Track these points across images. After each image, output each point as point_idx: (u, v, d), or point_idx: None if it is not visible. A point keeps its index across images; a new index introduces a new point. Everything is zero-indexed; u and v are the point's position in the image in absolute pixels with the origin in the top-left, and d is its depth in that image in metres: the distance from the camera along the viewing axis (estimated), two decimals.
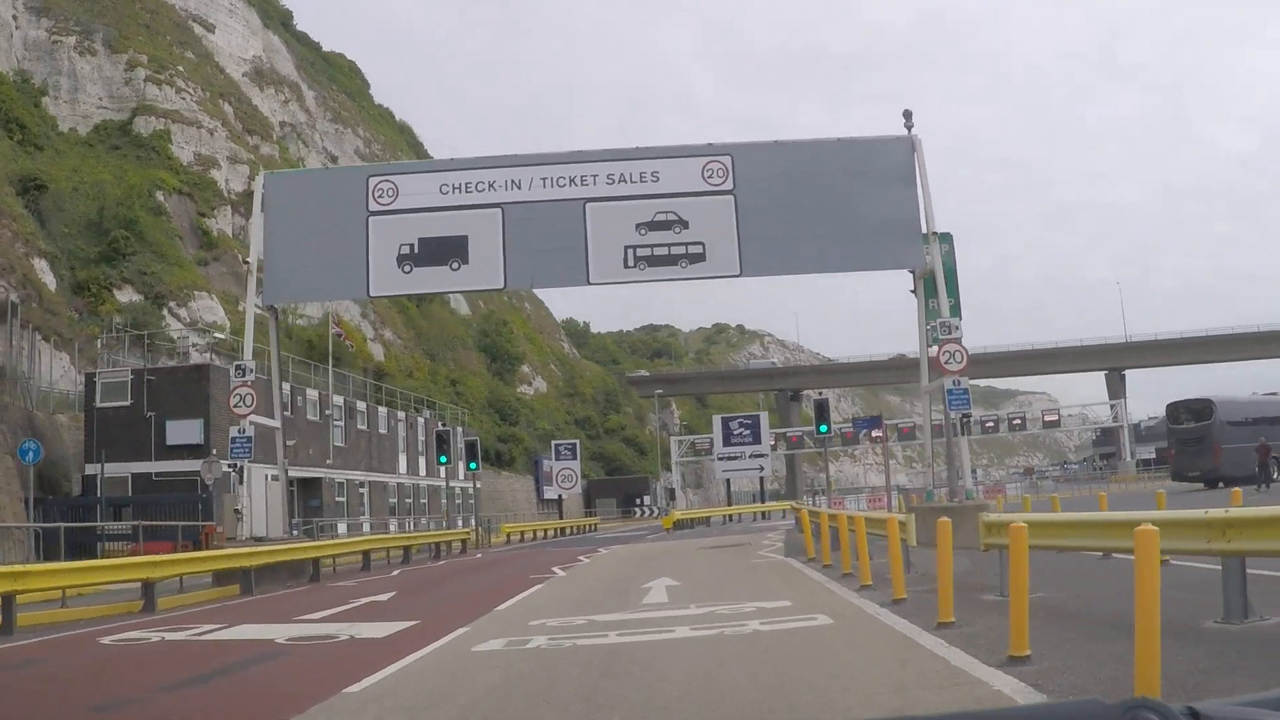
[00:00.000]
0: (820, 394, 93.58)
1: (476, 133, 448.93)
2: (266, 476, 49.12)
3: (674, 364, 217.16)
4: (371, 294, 42.20)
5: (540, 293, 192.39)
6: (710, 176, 40.39)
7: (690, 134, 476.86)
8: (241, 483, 38.13)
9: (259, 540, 37.94)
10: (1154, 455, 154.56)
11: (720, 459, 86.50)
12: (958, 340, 36.82)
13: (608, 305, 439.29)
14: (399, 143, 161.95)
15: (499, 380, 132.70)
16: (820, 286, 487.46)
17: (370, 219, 40.53)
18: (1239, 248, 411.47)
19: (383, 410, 79.78)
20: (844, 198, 40.55)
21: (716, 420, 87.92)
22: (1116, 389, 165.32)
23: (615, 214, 40.33)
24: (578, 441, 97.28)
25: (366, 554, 44.89)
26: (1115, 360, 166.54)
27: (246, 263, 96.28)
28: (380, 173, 42.58)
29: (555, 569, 36.20)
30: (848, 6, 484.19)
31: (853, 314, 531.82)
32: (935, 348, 38.10)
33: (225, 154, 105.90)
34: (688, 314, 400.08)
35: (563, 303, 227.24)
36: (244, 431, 37.71)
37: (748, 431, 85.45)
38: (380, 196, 40.61)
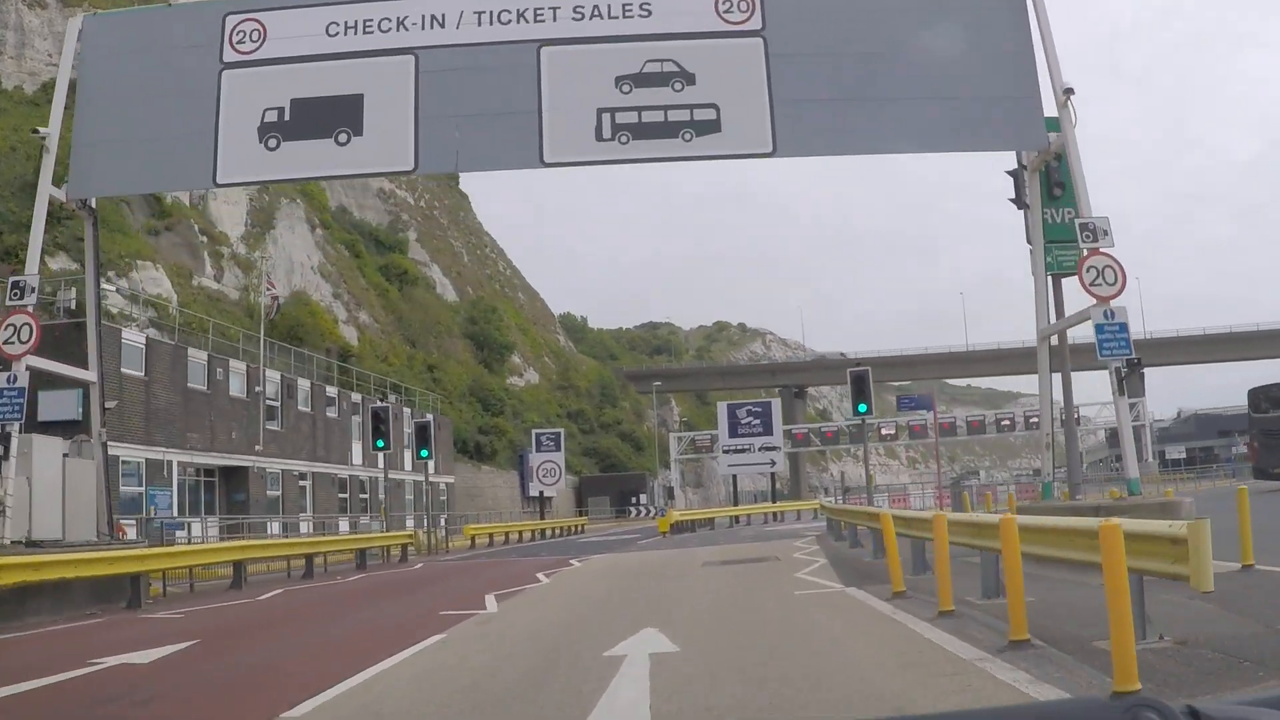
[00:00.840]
0: (857, 366, 79.87)
1: None
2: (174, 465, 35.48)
3: (674, 361, 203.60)
4: (219, 181, 25.87)
5: (536, 284, 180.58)
6: (728, 10, 25.73)
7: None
8: (7, 457, 23.92)
9: (34, 545, 23.78)
10: (1184, 455, 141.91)
11: (726, 452, 72.45)
12: (1110, 253, 22.94)
13: (606, 301, 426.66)
14: None
15: (485, 370, 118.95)
16: (825, 284, 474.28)
17: (224, 74, 26.02)
18: (1238, 253, 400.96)
19: (331, 390, 65.94)
20: (922, 43, 25.66)
21: (722, 408, 73.39)
22: (1135, 387, 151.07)
23: (585, 62, 25.39)
24: (562, 431, 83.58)
25: (238, 565, 30.93)
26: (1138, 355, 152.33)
27: (203, 234, 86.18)
28: (242, 9, 27.07)
29: (489, 598, 22.53)
30: None
31: (855, 314, 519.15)
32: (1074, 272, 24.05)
33: None
34: (688, 312, 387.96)
35: (559, 296, 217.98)
36: (14, 380, 23.89)
37: (757, 421, 71.48)
38: (240, 42, 26.16)
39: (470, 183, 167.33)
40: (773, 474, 76.69)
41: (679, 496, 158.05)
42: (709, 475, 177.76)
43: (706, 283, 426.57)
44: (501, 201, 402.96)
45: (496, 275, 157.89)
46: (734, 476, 75.24)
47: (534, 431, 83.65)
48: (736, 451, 71.58)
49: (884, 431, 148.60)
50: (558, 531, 73.87)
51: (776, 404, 72.36)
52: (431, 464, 77.84)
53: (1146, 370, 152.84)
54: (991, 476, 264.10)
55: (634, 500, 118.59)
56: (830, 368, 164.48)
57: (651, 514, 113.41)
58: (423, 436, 52.52)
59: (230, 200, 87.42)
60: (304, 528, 57.05)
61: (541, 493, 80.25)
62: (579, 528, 78.57)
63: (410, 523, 63.14)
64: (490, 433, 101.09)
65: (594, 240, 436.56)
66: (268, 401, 57.40)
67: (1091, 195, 24.38)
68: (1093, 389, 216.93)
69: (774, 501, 76.09)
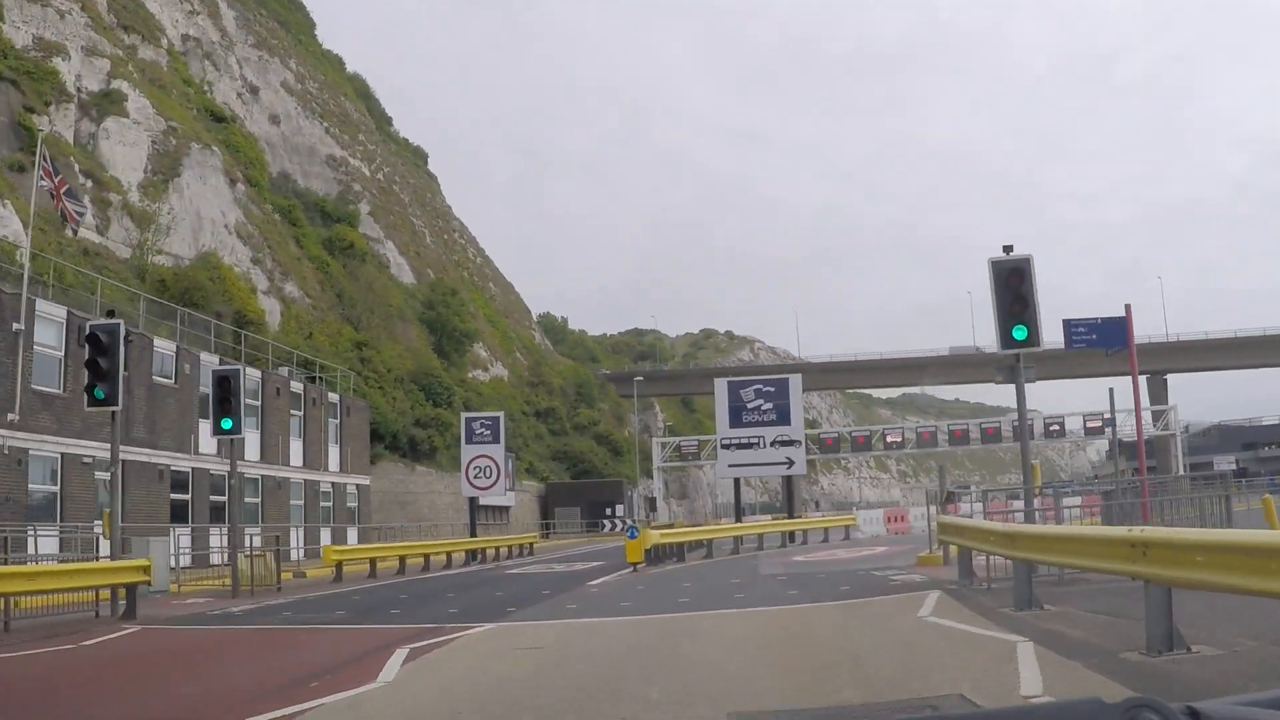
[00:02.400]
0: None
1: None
2: None
3: (659, 366, 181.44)
4: None
5: (515, 280, 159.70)
6: None
7: (686, 142, 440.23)
8: None
9: None
10: (1235, 466, 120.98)
11: (726, 447, 49.26)
12: None
13: (591, 310, 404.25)
14: (344, 87, 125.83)
15: (442, 359, 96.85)
16: (819, 291, 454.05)
17: None
18: (1229, 269, 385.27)
19: (168, 347, 43.76)
20: None
21: (721, 387, 49.54)
22: (1159, 394, 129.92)
23: None
24: (501, 416, 60.89)
25: None
26: (1157, 361, 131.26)
27: (88, 177, 64.73)
28: None
29: None
30: (842, 16, 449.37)
31: (843, 323, 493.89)
32: None
33: (81, 43, 70.45)
34: (674, 320, 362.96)
35: (540, 301, 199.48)
36: None
37: (769, 405, 48.55)
38: None
39: (447, 182, 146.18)
40: (789, 479, 53.50)
41: (661, 509, 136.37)
42: (695, 486, 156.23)
43: (695, 292, 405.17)
44: (481, 200, 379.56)
45: (465, 262, 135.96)
46: (735, 483, 52.39)
47: (464, 416, 60.64)
48: (740, 447, 48.74)
49: (890, 439, 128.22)
50: (495, 553, 51.73)
51: (796, 381, 49.16)
52: (335, 459, 56.46)
53: (1171, 376, 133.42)
54: (983, 491, 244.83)
55: (608, 512, 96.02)
56: (826, 371, 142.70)
57: (628, 529, 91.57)
58: (224, 396, 29.18)
59: (126, 140, 67.35)
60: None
61: (474, 499, 57.55)
62: (525, 547, 56.12)
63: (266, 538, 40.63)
64: (430, 426, 78.78)
65: (580, 247, 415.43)
66: (40, 348, 35.44)
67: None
68: (1088, 400, 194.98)
69: (790, 515, 53.09)
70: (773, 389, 49.16)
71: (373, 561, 40.76)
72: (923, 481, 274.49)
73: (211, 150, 75.10)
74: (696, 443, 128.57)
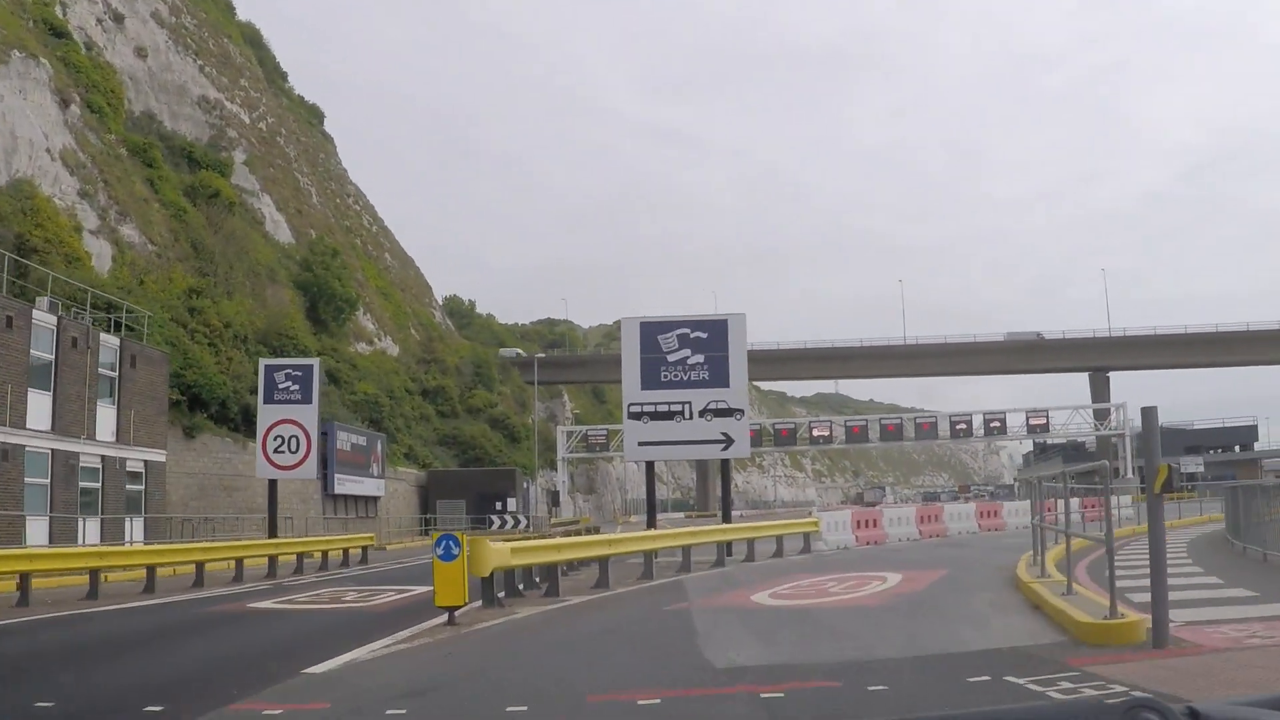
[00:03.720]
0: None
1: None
2: None
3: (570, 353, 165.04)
4: None
5: (429, 264, 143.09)
6: None
7: (610, 144, 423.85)
8: None
9: None
10: (1201, 468, 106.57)
11: (636, 417, 32.48)
12: None
13: (506, 296, 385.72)
14: (229, 29, 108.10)
15: (316, 328, 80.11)
16: (735, 289, 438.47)
17: None
18: (1147, 277, 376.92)
19: None
20: None
21: (630, 332, 32.51)
22: (1101, 391, 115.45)
23: None
24: (316, 364, 43.69)
25: None
26: (1099, 357, 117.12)
27: None
28: None
29: None
30: (772, 16, 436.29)
31: (765, 320, 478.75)
32: None
33: None
34: (592, 313, 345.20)
35: (454, 287, 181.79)
36: None
37: (699, 359, 32.08)
38: None
39: (358, 158, 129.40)
40: (726, 465, 36.00)
41: (566, 503, 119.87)
42: (603, 480, 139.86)
43: (613, 287, 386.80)
44: (396, 184, 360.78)
45: (358, 229, 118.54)
46: (649, 471, 35.45)
47: (262, 363, 43.22)
48: (656, 417, 32.19)
49: (816, 432, 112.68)
50: (317, 558, 35.27)
51: (738, 325, 32.27)
52: (110, 424, 39.83)
53: (1113, 374, 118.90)
54: (897, 493, 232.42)
55: (498, 506, 79.20)
56: (756, 361, 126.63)
57: (522, 525, 75.05)
58: None
59: None
60: None
61: (274, 481, 40.77)
62: (354, 553, 39.33)
63: None
64: None
65: (498, 237, 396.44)
66: None
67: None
68: (1059, 392, 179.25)
69: (725, 519, 34.75)
70: (705, 335, 32.75)
71: (93, 573, 24.38)
72: (838, 481, 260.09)
73: (39, 63, 58.76)
74: (605, 432, 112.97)
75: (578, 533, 31.34)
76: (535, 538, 26.66)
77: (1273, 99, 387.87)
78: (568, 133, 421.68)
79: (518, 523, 75.36)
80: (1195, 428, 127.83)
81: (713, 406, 32.26)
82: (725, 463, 35.13)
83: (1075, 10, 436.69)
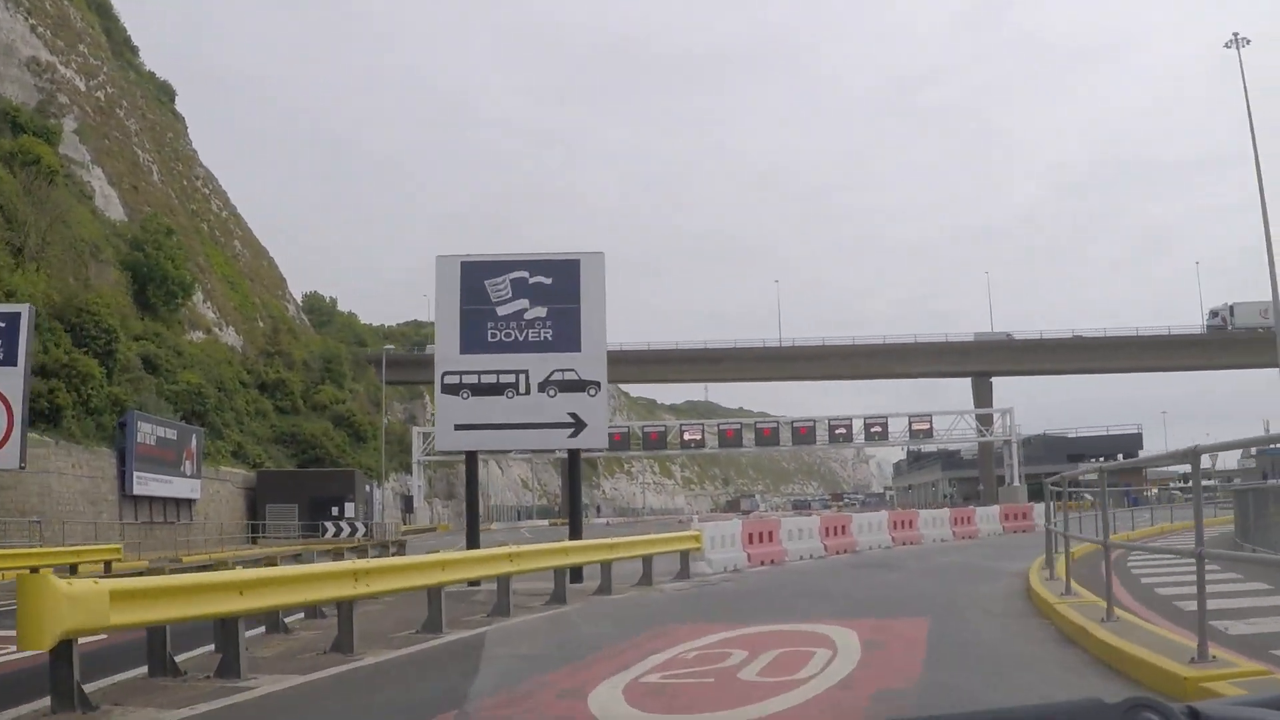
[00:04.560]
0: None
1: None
2: None
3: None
4: None
5: (295, 259, 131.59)
6: None
7: (491, 148, 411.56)
8: None
9: None
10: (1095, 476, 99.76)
11: (453, 390, 23.00)
12: None
13: (379, 298, 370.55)
14: None
15: (145, 313, 69.72)
16: (618, 294, 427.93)
17: None
18: (1027, 293, 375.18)
19: None
20: None
21: (448, 274, 22.92)
22: (984, 397, 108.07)
23: None
24: (25, 311, 33.74)
25: None
26: (983, 362, 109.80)
27: None
28: None
29: None
30: (661, 23, 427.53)
31: (646, 325, 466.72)
32: None
33: None
34: None
35: (321, 286, 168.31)
36: None
37: (541, 313, 22.75)
38: None
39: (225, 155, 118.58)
40: (576, 458, 25.61)
41: (421, 510, 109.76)
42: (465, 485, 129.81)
43: None
44: (277, 182, 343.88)
45: (205, 213, 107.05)
46: (468, 464, 24.97)
47: None
48: (481, 391, 22.65)
49: (688, 436, 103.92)
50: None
51: (593, 266, 22.88)
52: None
53: (996, 380, 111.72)
54: (768, 500, 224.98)
55: (334, 512, 68.99)
56: (622, 362, 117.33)
57: (360, 533, 64.87)
58: None
59: None
60: None
61: None
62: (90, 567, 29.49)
63: None
64: (57, 375, 50.87)
65: (375, 238, 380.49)
66: None
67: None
68: (944, 397, 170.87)
69: (574, 532, 24.08)
70: (549, 281, 23.26)
71: None
72: (708, 489, 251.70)
73: None
74: None
75: (363, 552, 21.65)
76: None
77: (1149, 118, 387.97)
78: (448, 136, 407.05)
79: (354, 530, 65.16)
80: (1079, 435, 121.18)
81: (558, 378, 22.83)
82: (575, 458, 25.57)
83: (958, 29, 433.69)
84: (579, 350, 22.94)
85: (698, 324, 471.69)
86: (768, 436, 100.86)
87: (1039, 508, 45.88)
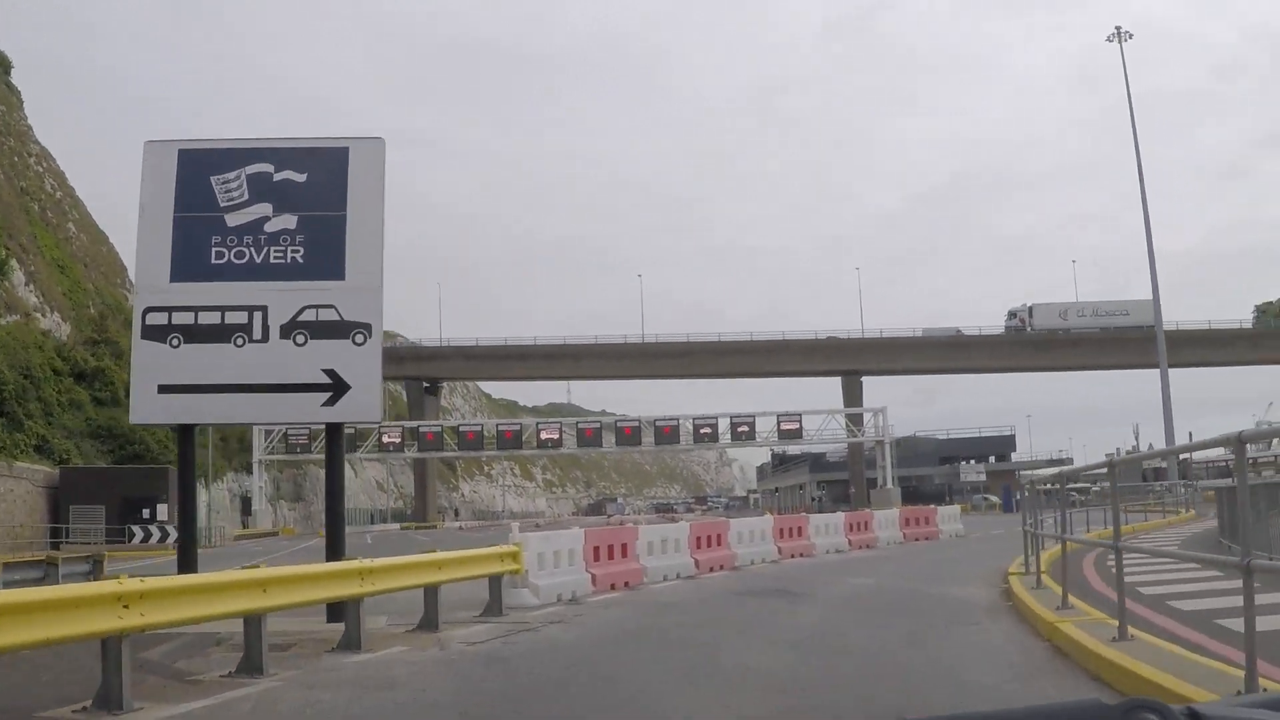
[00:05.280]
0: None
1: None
2: None
3: None
4: None
5: (126, 245, 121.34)
6: None
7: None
8: None
9: None
10: (983, 477, 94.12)
11: (155, 334, 15.57)
12: None
13: None
14: None
15: None
16: (470, 295, 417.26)
17: None
18: (881, 301, 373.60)
19: None
20: None
21: (158, 164, 15.92)
22: (854, 397, 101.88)
23: None
24: None
25: None
26: (853, 360, 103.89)
27: None
28: None
29: None
30: (514, 25, 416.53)
31: (497, 325, 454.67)
32: None
33: None
34: None
35: None
36: None
37: (289, 223, 15.14)
38: None
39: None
40: (336, 435, 17.81)
41: (263, 513, 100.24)
42: (315, 486, 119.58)
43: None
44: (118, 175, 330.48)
45: (37, 191, 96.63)
46: (182, 440, 16.98)
47: None
48: (198, 336, 14.91)
49: (544, 435, 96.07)
50: None
51: (368, 155, 15.54)
52: None
53: (867, 379, 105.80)
54: (631, 504, 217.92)
55: (144, 514, 60.20)
56: (479, 358, 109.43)
57: (171, 539, 56.05)
58: None
59: None
60: None
61: None
62: None
63: None
64: None
65: None
66: None
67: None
68: (814, 400, 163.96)
69: (334, 551, 16.53)
70: (301, 179, 15.48)
71: None
72: (569, 492, 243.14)
73: None
74: (308, 432, 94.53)
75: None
76: None
77: (1011, 129, 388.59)
78: (300, 131, 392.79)
79: (165, 535, 56.35)
80: (951, 437, 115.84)
81: (310, 318, 15.02)
82: (335, 436, 17.32)
83: (821, 38, 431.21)
84: (342, 278, 15.12)
85: (561, 327, 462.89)
86: (629, 436, 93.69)
87: (944, 511, 39.34)
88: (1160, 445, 76.23)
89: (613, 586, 19.11)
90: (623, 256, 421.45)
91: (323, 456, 71.55)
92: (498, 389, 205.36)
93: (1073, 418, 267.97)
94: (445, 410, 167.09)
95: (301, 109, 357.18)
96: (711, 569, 22.97)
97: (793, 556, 27.33)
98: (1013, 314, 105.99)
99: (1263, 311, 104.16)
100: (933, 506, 42.47)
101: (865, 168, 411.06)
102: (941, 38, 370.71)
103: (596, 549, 19.37)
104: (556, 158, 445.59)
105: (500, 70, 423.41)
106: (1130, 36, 76.40)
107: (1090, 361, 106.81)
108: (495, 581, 15.77)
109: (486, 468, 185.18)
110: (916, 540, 34.78)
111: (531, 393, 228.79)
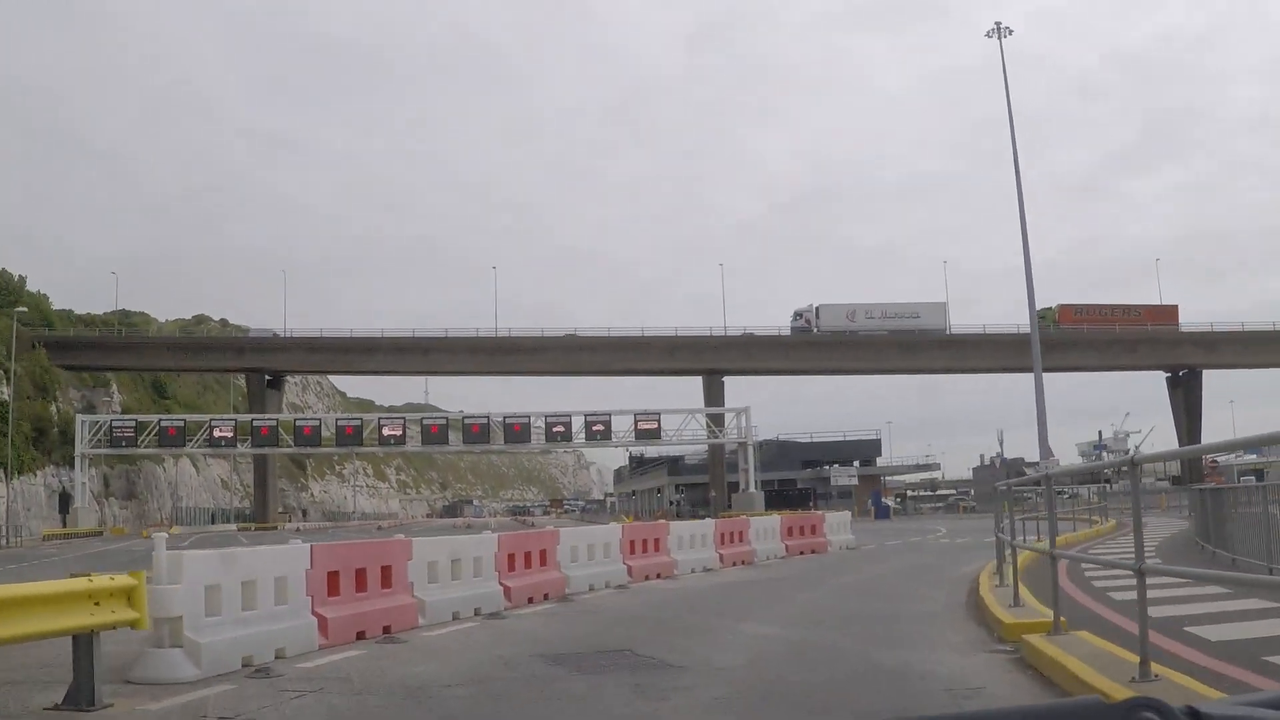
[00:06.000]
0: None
1: None
2: None
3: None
4: None
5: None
6: None
7: (204, 147, 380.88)
8: None
9: None
10: (855, 481, 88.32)
11: None
12: None
13: (84, 288, 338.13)
14: None
15: None
16: (327, 299, 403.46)
17: None
18: (740, 309, 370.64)
19: None
20: None
21: None
22: (715, 397, 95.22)
23: None
24: None
25: None
26: (714, 359, 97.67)
27: None
28: None
29: None
30: (373, 26, 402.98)
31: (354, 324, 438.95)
32: None
33: None
34: (173, 308, 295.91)
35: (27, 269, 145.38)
36: None
37: None
38: None
39: None
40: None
41: (89, 511, 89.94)
42: (150, 484, 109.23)
43: (200, 285, 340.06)
44: None
45: None
46: None
47: None
48: None
49: (387, 431, 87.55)
50: None
51: None
52: None
53: (729, 378, 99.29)
54: (487, 506, 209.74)
55: None
56: (323, 350, 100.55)
57: None
58: None
59: None
60: None
61: None
62: None
63: None
64: None
65: (83, 227, 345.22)
66: None
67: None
68: (670, 396, 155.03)
69: None
70: None
71: None
72: (424, 494, 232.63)
73: None
74: (134, 424, 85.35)
75: None
76: None
77: (871, 142, 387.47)
78: (168, 126, 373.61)
79: None
80: (816, 441, 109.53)
81: None
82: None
83: (680, 48, 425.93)
84: None
85: (414, 325, 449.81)
86: (477, 434, 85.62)
87: (832, 519, 32.18)
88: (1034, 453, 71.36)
89: (361, 634, 11.60)
90: (481, 261, 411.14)
91: (166, 454, 62.17)
92: (353, 388, 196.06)
93: (933, 424, 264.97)
94: (298, 407, 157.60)
95: (162, 100, 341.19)
96: (532, 599, 15.56)
97: (648, 578, 20.12)
98: (798, 314, 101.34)
99: (1042, 317, 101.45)
100: (820, 513, 35.20)
101: (727, 178, 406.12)
102: (804, 53, 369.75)
103: (331, 575, 11.72)
104: (413, 160, 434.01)
105: (359, 72, 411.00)
106: (1010, 32, 70.85)
107: (877, 365, 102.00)
108: (84, 643, 8.19)
109: (338, 467, 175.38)
110: (801, 553, 27.87)
111: (388, 393, 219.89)
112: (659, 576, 20.72)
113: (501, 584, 15.10)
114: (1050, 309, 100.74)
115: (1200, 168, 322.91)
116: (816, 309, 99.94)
